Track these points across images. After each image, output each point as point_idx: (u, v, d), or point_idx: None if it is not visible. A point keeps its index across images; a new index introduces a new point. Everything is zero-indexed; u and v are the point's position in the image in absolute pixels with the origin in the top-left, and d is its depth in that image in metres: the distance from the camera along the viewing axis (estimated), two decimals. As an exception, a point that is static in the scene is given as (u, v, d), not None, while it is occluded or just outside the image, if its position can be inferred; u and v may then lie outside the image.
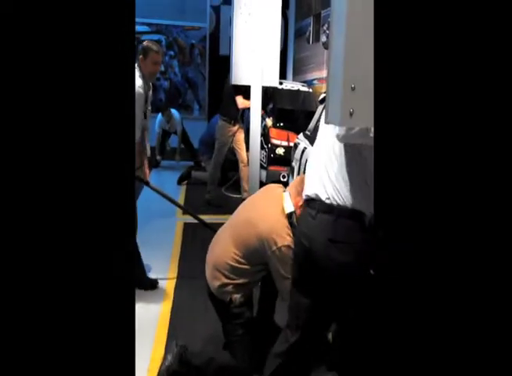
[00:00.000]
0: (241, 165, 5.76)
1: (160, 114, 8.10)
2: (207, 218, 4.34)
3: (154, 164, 8.03)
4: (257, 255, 2.26)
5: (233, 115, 5.61)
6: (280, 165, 5.88)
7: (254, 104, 3.66)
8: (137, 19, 8.24)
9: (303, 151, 4.39)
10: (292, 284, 2.00)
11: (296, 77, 8.93)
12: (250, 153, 3.82)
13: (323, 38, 7.34)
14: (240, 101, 5.46)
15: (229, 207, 5.41)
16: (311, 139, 4.42)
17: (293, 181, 2.42)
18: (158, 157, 8.39)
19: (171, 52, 9.90)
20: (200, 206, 5.53)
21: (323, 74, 7.16)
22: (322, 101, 4.34)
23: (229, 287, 2.31)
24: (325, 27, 7.29)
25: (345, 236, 1.72)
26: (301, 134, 4.92)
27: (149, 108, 3.55)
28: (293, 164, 4.66)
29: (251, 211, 2.40)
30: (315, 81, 7.75)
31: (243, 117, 5.89)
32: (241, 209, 2.50)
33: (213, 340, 2.61)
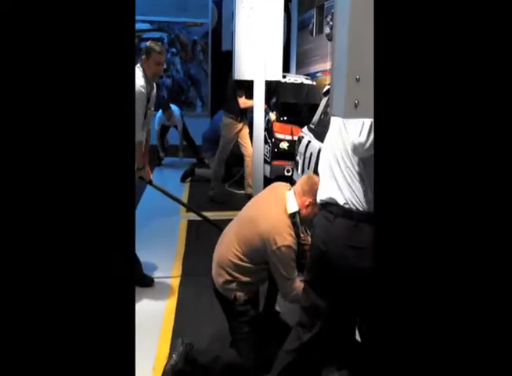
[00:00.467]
0: (247, 160, 5.68)
1: (160, 111, 7.98)
2: (211, 214, 4.33)
3: (157, 162, 7.98)
4: (258, 254, 2.25)
5: (238, 112, 5.55)
6: (284, 160, 5.82)
7: (258, 99, 3.64)
8: (138, 17, 8.23)
9: (307, 145, 4.35)
10: (308, 286, 2.00)
11: (299, 70, 8.88)
12: (254, 148, 3.79)
13: (327, 30, 7.25)
14: (242, 101, 5.40)
15: (233, 204, 5.41)
16: (316, 133, 4.38)
17: (300, 179, 2.40)
18: (161, 154, 8.33)
19: (173, 50, 9.88)
20: (203, 203, 5.51)
21: (327, 66, 7.10)
22: (327, 93, 4.29)
23: (233, 285, 2.30)
24: (328, 19, 7.21)
25: (365, 242, 1.72)
26: (305, 127, 4.88)
27: (152, 108, 3.52)
28: (298, 158, 4.62)
29: (255, 210, 2.40)
30: (319, 74, 7.68)
31: (246, 112, 5.84)
32: (247, 207, 2.51)
33: (219, 338, 2.60)
